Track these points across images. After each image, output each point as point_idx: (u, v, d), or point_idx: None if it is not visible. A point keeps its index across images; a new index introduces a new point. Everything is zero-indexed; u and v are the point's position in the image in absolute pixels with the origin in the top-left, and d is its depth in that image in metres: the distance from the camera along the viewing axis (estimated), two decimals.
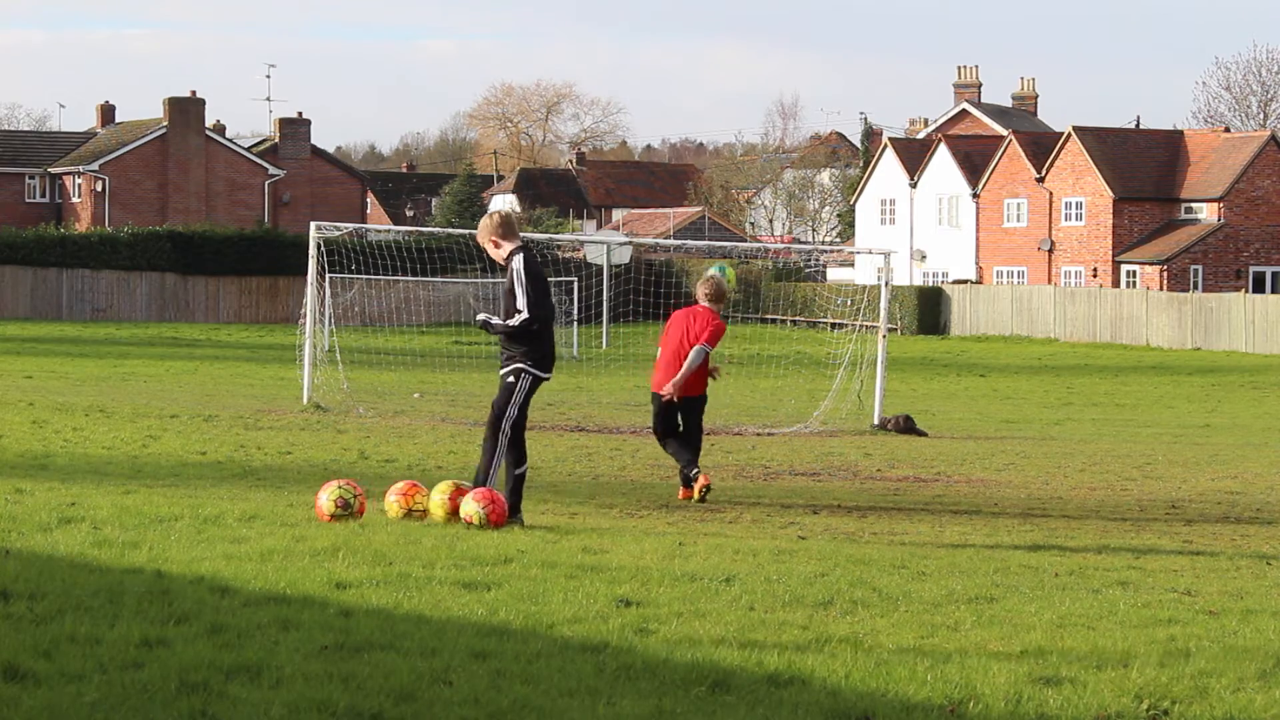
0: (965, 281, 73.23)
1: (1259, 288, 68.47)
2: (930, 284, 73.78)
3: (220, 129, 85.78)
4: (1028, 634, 8.32)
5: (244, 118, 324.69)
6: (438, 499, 12.16)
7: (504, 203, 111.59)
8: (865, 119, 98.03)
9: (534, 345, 12.73)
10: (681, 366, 15.66)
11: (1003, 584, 10.03)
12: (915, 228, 78.92)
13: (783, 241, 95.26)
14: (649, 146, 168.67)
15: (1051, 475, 19.28)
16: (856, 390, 28.58)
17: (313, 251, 28.06)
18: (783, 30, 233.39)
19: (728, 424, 26.43)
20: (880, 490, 17.13)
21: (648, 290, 53.17)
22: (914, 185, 79.07)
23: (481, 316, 13.06)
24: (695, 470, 15.32)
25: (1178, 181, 71.25)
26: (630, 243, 54.66)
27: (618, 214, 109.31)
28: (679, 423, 15.86)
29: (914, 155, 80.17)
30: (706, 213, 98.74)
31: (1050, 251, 72.88)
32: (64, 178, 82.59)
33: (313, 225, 28.68)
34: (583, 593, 8.99)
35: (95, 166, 79.92)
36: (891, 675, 7.30)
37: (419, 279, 52.78)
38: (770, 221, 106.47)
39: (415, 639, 7.68)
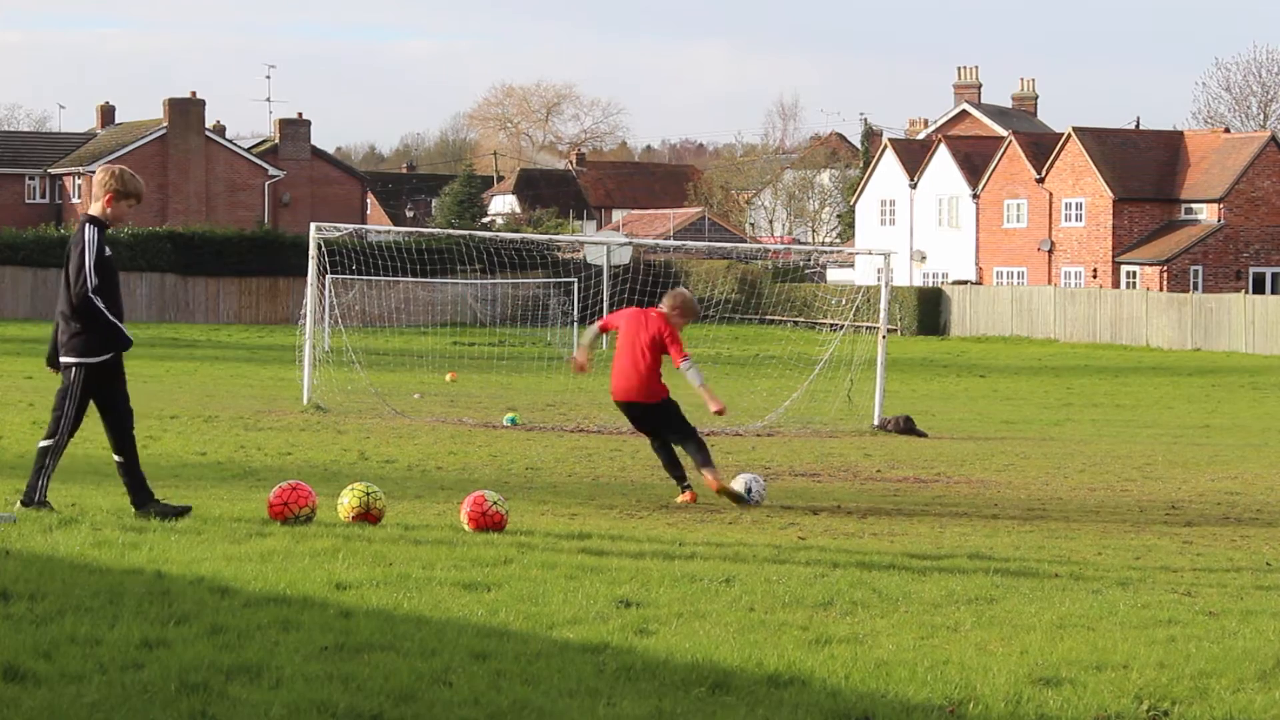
0: (965, 282, 73.25)
1: (1259, 288, 68.49)
2: (930, 285, 73.81)
3: (220, 130, 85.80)
4: (1028, 634, 8.32)
5: (244, 118, 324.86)
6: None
7: (504, 204, 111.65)
8: (865, 120, 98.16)
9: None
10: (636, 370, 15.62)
11: (1003, 584, 10.04)
12: (915, 228, 78.94)
13: (783, 242, 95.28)
14: (649, 147, 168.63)
15: (1051, 476, 19.28)
16: (847, 389, 28.60)
17: (313, 252, 28.08)
18: (782, 30, 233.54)
19: (728, 424, 26.44)
20: (880, 491, 17.13)
21: (648, 291, 53.12)
22: (914, 186, 79.09)
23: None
24: (685, 484, 15.43)
25: (1178, 182, 71.28)
26: (630, 243, 54.71)
27: (618, 215, 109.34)
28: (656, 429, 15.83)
29: (914, 156, 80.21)
30: (706, 213, 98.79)
31: (1050, 252, 72.90)
32: (64, 178, 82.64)
33: (313, 226, 28.71)
34: (583, 593, 8.99)
35: (95, 167, 79.94)
36: (891, 675, 7.30)
37: (419, 280, 52.79)
38: (770, 222, 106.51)
39: (415, 639, 7.68)
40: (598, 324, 16.29)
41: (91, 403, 11.70)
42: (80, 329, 11.34)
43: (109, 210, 11.47)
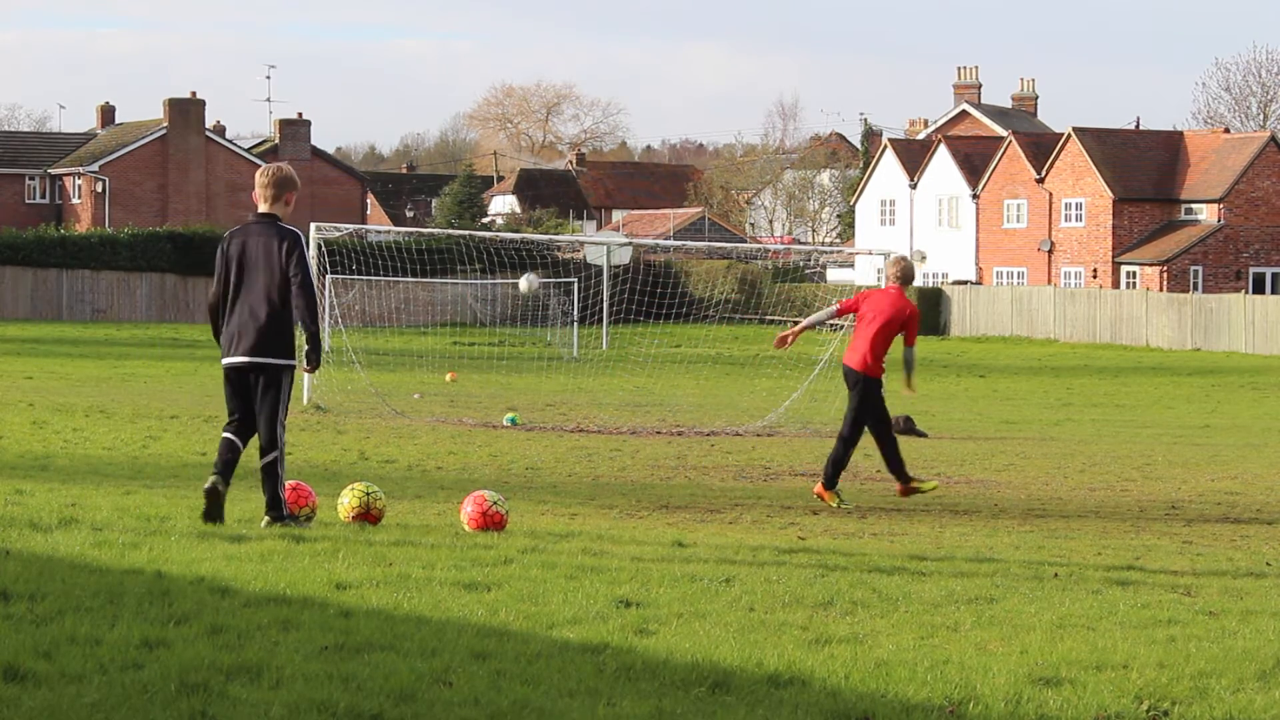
0: (965, 282, 73.26)
1: (1259, 289, 68.49)
2: (930, 285, 73.83)
3: (220, 130, 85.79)
4: (1028, 634, 8.32)
5: (244, 118, 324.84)
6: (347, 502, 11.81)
7: (504, 204, 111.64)
8: (865, 120, 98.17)
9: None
10: (872, 346, 15.46)
11: (1003, 584, 10.03)
12: (915, 228, 78.94)
13: (783, 242, 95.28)
14: (649, 147, 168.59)
15: (1051, 476, 19.28)
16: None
17: (313, 252, 28.10)
18: (782, 30, 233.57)
19: (728, 424, 26.46)
20: (880, 491, 17.13)
21: (647, 291, 53.20)
22: (914, 186, 79.10)
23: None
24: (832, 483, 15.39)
25: (1178, 182, 71.29)
26: (630, 244, 54.69)
27: (618, 215, 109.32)
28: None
29: (914, 156, 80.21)
30: (706, 214, 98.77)
31: (1050, 252, 72.91)
32: (64, 179, 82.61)
33: (313, 226, 28.74)
34: (583, 593, 8.99)
35: (95, 167, 79.92)
36: (891, 675, 7.29)
37: (419, 280, 52.80)
38: (770, 222, 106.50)
39: (415, 639, 7.68)
40: (836, 306, 15.98)
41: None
42: (286, 331, 11.12)
43: (289, 210, 11.33)
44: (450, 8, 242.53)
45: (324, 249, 29.40)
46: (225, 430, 11.48)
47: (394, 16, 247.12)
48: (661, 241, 36.34)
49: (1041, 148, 74.07)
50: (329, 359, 30.75)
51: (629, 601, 8.79)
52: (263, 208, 11.32)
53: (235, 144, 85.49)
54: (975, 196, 76.08)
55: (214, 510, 11.09)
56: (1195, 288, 67.94)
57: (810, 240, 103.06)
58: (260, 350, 11.14)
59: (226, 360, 11.32)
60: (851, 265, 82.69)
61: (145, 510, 11.85)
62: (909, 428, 25.98)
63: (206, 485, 11.16)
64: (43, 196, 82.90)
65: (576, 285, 57.72)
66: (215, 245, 60.51)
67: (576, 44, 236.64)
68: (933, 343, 64.84)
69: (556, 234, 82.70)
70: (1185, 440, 26.66)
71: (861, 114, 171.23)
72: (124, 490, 13.72)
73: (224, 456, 11.33)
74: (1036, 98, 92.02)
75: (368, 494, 11.79)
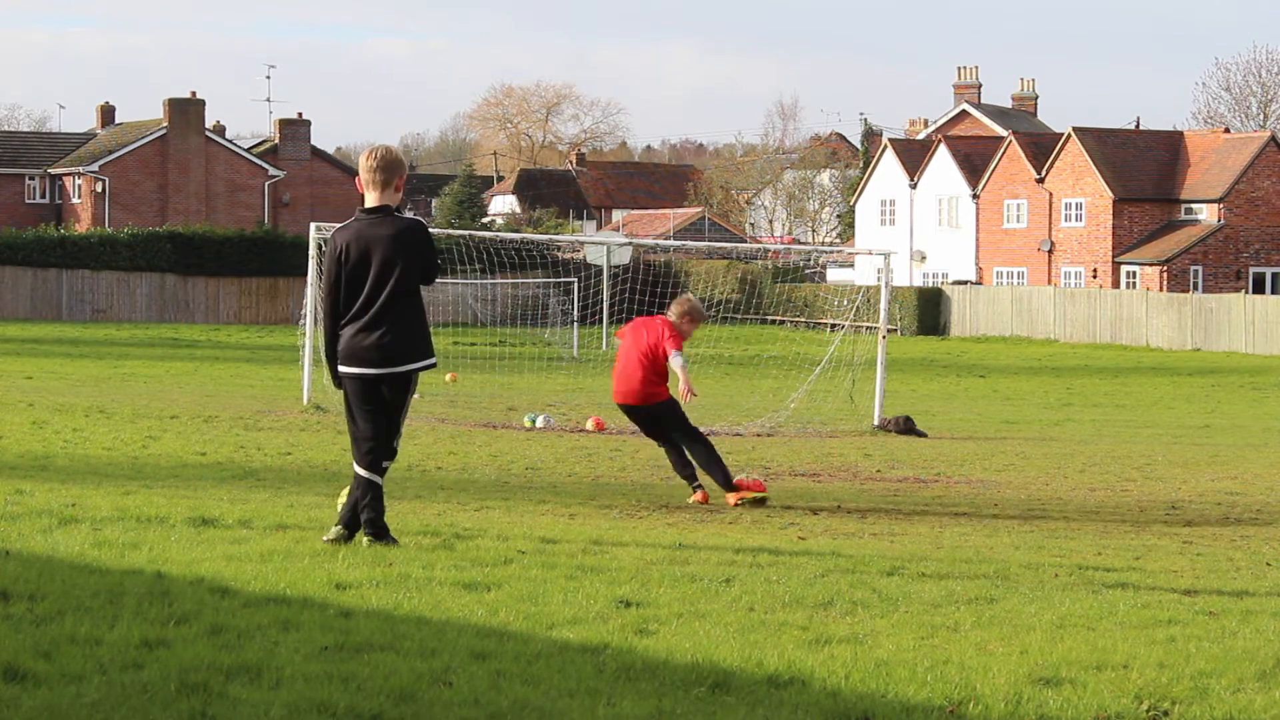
0: (965, 282, 73.26)
1: (1259, 288, 68.49)
2: (930, 285, 73.82)
3: (220, 130, 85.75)
4: (1028, 634, 8.32)
5: (244, 118, 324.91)
6: None
7: (504, 204, 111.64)
8: (865, 120, 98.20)
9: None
10: (633, 374, 15.51)
11: (1003, 584, 10.03)
12: (915, 228, 78.94)
13: (783, 242, 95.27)
14: (649, 147, 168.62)
15: (1051, 476, 19.28)
16: (848, 389, 28.57)
17: (313, 252, 28.09)
18: (782, 30, 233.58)
19: (728, 424, 26.44)
20: (880, 491, 17.12)
21: (647, 291, 53.16)
22: (914, 186, 79.09)
23: None
24: (696, 484, 15.32)
25: (1178, 182, 71.29)
26: (630, 243, 54.65)
27: (618, 215, 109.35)
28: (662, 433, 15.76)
29: (914, 156, 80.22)
30: (706, 213, 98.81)
31: (1050, 252, 72.90)
32: (64, 178, 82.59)
33: (313, 226, 28.71)
34: (583, 593, 8.98)
35: (95, 167, 79.90)
36: (891, 675, 7.29)
37: None
38: (770, 222, 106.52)
39: (415, 639, 7.68)
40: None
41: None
42: (421, 330, 10.27)
43: (399, 197, 10.51)
44: (452, 8, 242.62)
45: (324, 249, 29.37)
46: (359, 464, 10.33)
47: (394, 17, 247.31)
48: (661, 241, 36.33)
49: (1041, 148, 74.09)
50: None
51: (629, 601, 8.79)
52: (372, 199, 10.44)
53: (235, 144, 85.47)
54: (975, 196, 76.08)
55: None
56: (1195, 288, 67.95)
57: (810, 240, 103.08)
58: (388, 360, 10.22)
59: (348, 370, 10.30)
60: (851, 265, 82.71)
61: (145, 510, 11.84)
62: (909, 427, 25.98)
63: (329, 538, 10.32)
64: (43, 196, 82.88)
65: (576, 285, 57.69)
66: (216, 245, 60.62)
67: (575, 43, 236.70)
68: (933, 343, 64.83)
69: (556, 234, 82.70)
70: (1185, 440, 26.66)
71: (861, 114, 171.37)
72: (124, 490, 13.71)
73: (360, 501, 10.30)
74: (1036, 98, 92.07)
75: None
